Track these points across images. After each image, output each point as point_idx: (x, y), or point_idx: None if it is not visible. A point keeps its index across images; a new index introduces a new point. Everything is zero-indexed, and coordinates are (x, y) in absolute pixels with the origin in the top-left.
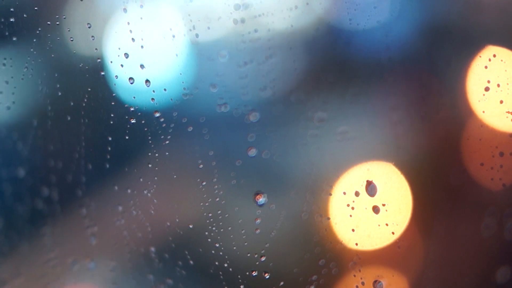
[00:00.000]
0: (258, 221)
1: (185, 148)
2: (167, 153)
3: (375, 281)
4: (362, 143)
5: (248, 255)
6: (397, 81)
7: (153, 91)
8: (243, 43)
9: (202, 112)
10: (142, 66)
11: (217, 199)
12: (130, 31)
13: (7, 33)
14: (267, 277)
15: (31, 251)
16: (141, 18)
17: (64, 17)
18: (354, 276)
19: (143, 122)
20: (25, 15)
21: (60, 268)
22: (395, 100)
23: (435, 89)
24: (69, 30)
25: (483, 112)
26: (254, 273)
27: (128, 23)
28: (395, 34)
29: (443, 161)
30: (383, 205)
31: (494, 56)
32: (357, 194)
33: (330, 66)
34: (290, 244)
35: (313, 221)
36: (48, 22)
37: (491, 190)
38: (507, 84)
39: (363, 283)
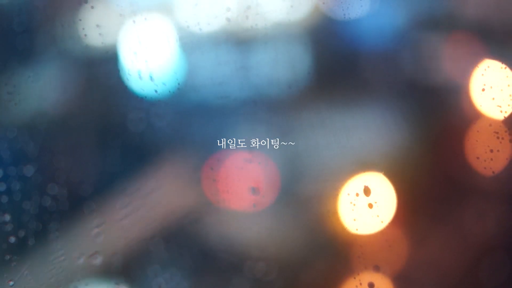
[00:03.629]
0: (269, 215)
1: (187, 144)
2: (170, 148)
3: (370, 283)
4: (360, 155)
5: (255, 247)
6: (394, 80)
7: (156, 84)
8: (242, 39)
9: (204, 107)
10: (146, 63)
11: (219, 193)
12: (138, 36)
13: (23, 36)
14: (273, 267)
15: (38, 248)
16: (146, 25)
17: (80, 19)
18: (354, 278)
19: (150, 113)
20: (41, 16)
21: (67, 264)
22: (389, 101)
23: (437, 89)
24: (85, 35)
25: (481, 105)
26: (261, 264)
27: (136, 31)
28: (393, 33)
29: (447, 155)
30: (375, 202)
31: (488, 67)
32: (357, 194)
33: (328, 62)
34: (305, 233)
35: (324, 215)
36: (63, 24)
37: (484, 176)
38: (497, 86)
39: (360, 283)
